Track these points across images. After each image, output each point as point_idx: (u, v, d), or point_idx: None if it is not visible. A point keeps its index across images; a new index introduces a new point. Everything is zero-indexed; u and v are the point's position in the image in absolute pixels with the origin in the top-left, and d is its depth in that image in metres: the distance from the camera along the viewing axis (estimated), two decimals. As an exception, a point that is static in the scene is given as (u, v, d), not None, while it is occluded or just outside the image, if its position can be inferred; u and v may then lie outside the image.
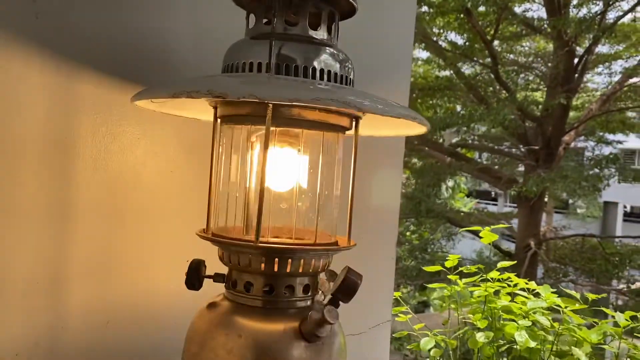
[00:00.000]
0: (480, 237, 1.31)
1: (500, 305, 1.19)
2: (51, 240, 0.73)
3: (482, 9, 6.40)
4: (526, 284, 1.29)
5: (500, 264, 1.31)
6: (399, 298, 1.41)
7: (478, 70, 7.11)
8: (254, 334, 0.57)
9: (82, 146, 0.74)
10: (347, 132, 0.65)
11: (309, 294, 0.61)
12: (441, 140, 7.28)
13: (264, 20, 0.60)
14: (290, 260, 0.58)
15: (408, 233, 8.04)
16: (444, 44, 7.02)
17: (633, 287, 6.70)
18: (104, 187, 0.76)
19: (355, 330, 1.06)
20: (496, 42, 6.90)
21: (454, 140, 7.89)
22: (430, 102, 7.28)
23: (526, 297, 1.20)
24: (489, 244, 1.36)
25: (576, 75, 6.52)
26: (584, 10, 6.39)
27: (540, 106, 6.66)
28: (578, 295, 1.24)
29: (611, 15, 6.38)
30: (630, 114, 7.49)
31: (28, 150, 0.70)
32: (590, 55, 6.58)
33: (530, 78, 7.40)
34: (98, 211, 0.76)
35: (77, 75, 0.72)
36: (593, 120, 6.93)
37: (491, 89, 7.07)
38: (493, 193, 14.85)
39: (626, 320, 1.11)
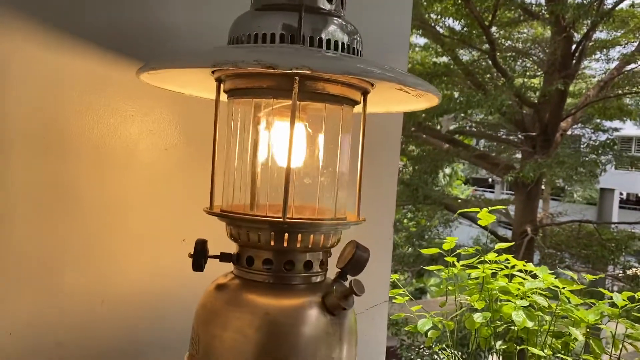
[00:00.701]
0: (479, 219, 1.30)
1: (498, 287, 1.19)
2: (45, 220, 0.72)
3: (480, -6, 6.36)
4: (524, 265, 1.29)
5: (498, 245, 1.31)
6: (396, 281, 1.41)
7: (476, 56, 7.08)
8: (280, 311, 0.56)
9: (75, 124, 0.72)
10: (355, 108, 0.64)
11: (323, 269, 0.61)
12: (439, 127, 7.27)
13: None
14: (312, 235, 0.57)
15: (405, 220, 8.06)
16: (441, 30, 6.98)
17: (629, 272, 6.73)
18: (98, 166, 0.75)
19: (353, 311, 1.06)
20: (494, 29, 6.85)
21: (451, 127, 7.87)
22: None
23: (524, 279, 1.20)
24: (486, 227, 1.36)
25: (574, 61, 6.50)
26: (582, -4, 6.35)
27: (537, 93, 6.65)
28: (575, 277, 1.24)
29: (609, 1, 6.35)
30: (627, 100, 7.48)
31: (18, 129, 0.69)
32: (588, 41, 6.55)
33: (528, 65, 7.37)
34: (92, 190, 0.75)
35: (69, 51, 0.71)
36: (590, 107, 6.92)
37: (489, 75, 7.04)
38: (490, 180, 14.86)
39: (624, 300, 1.11)
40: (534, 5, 6.69)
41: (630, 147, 14.36)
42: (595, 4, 6.06)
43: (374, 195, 1.09)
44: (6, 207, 0.69)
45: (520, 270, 1.28)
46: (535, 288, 1.12)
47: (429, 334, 1.27)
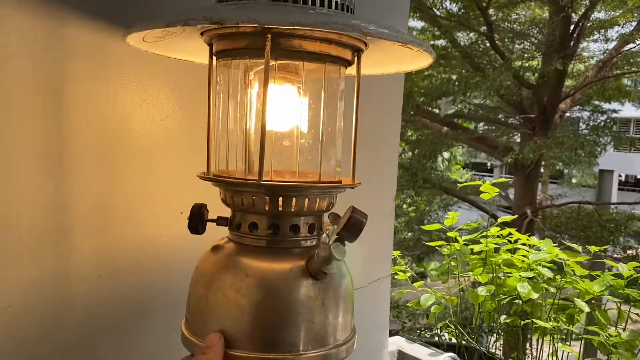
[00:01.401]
0: (481, 193, 1.29)
1: (502, 259, 1.17)
2: (40, 192, 0.70)
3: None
4: (527, 239, 1.28)
5: (501, 219, 1.30)
6: (397, 257, 1.39)
7: (473, 38, 7.02)
8: (261, 273, 0.55)
9: (69, 93, 0.70)
10: (349, 69, 0.62)
11: (314, 233, 0.60)
12: (437, 111, 7.23)
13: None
14: (294, 199, 0.56)
15: (405, 205, 8.05)
16: (438, 13, 6.91)
17: (629, 252, 6.75)
18: (92, 135, 0.73)
19: (355, 285, 1.05)
20: (491, 11, 6.79)
21: (449, 111, 7.84)
22: (426, 72, 7.20)
23: (528, 251, 1.19)
24: (487, 209, 1.34)
25: (572, 42, 6.45)
26: (580, -25, 6.29)
27: (536, 74, 6.60)
28: (580, 249, 1.23)
29: (608, -20, 6.29)
30: (625, 81, 7.44)
31: (13, 97, 0.67)
32: (587, 20, 6.50)
33: (527, 46, 7.32)
34: (89, 160, 0.73)
35: (62, 18, 0.69)
36: (589, 88, 6.88)
37: (487, 59, 6.99)
38: (488, 164, 14.85)
39: (629, 270, 1.10)
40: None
41: (629, 129, 14.34)
42: (593, -17, 6.01)
43: (375, 169, 1.07)
44: (2, 179, 0.67)
45: (523, 244, 1.27)
46: (540, 259, 1.11)
47: (432, 309, 1.26)
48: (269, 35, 0.52)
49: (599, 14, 7.03)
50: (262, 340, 0.54)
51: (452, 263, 1.35)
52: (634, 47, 6.92)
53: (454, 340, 1.30)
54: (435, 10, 6.92)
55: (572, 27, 6.40)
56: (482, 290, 1.14)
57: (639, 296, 1.05)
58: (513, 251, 1.27)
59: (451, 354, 1.09)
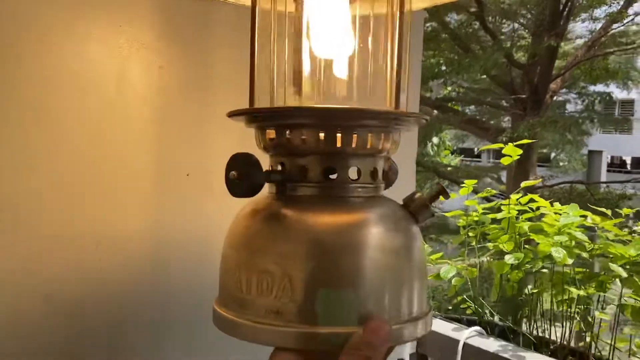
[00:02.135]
0: (503, 157, 1.21)
1: (530, 225, 1.09)
2: (27, 153, 0.60)
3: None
4: (551, 205, 1.20)
5: (524, 183, 1.22)
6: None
7: (463, 19, 6.95)
8: (322, 228, 0.43)
9: (55, 37, 0.60)
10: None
11: (376, 182, 0.48)
12: (428, 95, 7.15)
13: None
14: (355, 135, 0.44)
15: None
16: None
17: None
18: (81, 86, 0.63)
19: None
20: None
21: (440, 95, 7.77)
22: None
23: (555, 214, 1.11)
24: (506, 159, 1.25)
25: (562, 21, 6.41)
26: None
27: (526, 54, 6.55)
28: (609, 212, 1.16)
29: (596, -43, 6.24)
30: (612, 64, 7.44)
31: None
32: (576, -1, 6.46)
33: (517, 26, 7.27)
34: (79, 118, 0.63)
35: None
36: (577, 69, 6.86)
37: (476, 39, 6.92)
38: (475, 150, 14.87)
39: (667, 232, 1.03)
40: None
41: (614, 111, 14.43)
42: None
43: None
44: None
45: (544, 213, 1.19)
46: (572, 223, 1.03)
47: (453, 281, 1.18)
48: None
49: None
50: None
51: (470, 234, 1.27)
52: (621, 26, 6.92)
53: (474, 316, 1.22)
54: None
55: (561, 5, 6.36)
56: (509, 259, 1.06)
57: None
58: (535, 220, 1.19)
59: (477, 327, 1.01)
